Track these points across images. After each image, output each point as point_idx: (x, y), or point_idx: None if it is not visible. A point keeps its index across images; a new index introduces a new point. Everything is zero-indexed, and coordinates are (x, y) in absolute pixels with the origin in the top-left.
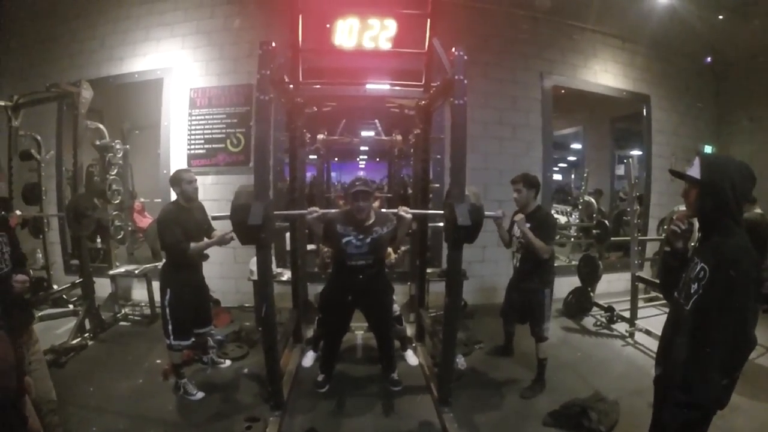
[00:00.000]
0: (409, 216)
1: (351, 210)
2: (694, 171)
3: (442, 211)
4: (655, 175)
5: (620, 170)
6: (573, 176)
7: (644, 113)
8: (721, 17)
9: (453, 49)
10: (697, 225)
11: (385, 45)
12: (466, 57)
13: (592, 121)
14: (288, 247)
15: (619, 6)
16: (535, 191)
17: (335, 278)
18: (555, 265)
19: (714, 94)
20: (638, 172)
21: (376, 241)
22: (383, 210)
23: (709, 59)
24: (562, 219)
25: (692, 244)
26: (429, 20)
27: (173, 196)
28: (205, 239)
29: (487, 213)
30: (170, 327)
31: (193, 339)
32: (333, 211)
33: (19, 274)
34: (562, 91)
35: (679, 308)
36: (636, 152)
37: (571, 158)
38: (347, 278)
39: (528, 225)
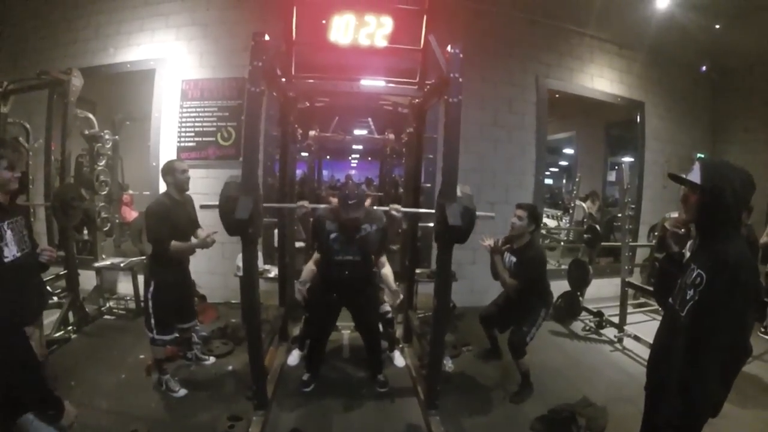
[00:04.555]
0: (399, 215)
1: (341, 211)
2: (694, 176)
3: (433, 211)
4: (647, 181)
5: (612, 176)
6: (565, 181)
7: (638, 120)
8: (718, 26)
9: (449, 47)
10: (693, 231)
11: (381, 42)
12: (461, 55)
13: (586, 127)
14: (276, 244)
15: (618, 12)
16: (535, 225)
17: (322, 274)
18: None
19: (710, 103)
20: (630, 178)
21: (363, 238)
22: (374, 207)
23: (705, 68)
24: (553, 223)
25: (685, 250)
26: (425, 17)
27: (162, 188)
28: (192, 239)
29: (479, 213)
30: (153, 321)
31: (176, 334)
32: (322, 206)
33: (45, 247)
34: (557, 96)
35: (674, 315)
36: (628, 159)
37: (563, 163)
38: (334, 274)
39: (513, 259)
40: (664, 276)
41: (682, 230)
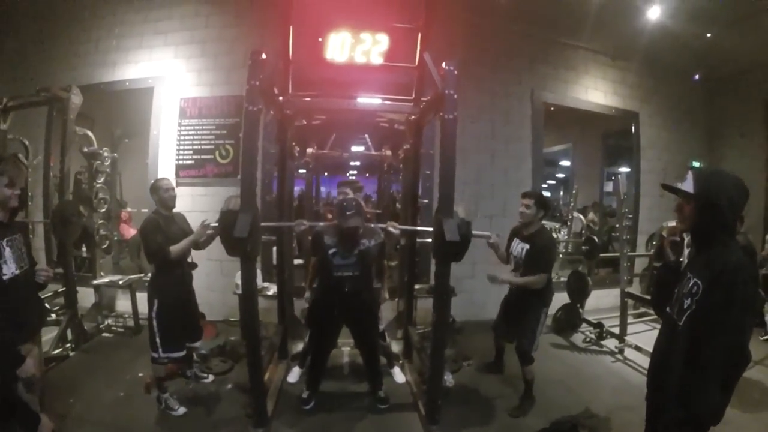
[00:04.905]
0: (397, 232)
1: (339, 225)
2: (687, 185)
3: (431, 228)
4: (644, 191)
5: (609, 187)
6: (562, 193)
7: (633, 130)
8: (709, 35)
9: (443, 64)
10: (687, 239)
11: (377, 59)
12: (456, 71)
13: (582, 138)
14: (275, 261)
15: (610, 24)
16: (543, 212)
17: (322, 290)
18: None
19: (705, 111)
20: (627, 188)
21: (363, 253)
22: (372, 225)
23: (698, 76)
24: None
25: (682, 259)
26: (420, 34)
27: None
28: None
29: (475, 232)
30: (158, 339)
31: (184, 352)
32: (321, 224)
33: (41, 267)
34: (552, 108)
35: (671, 324)
36: (625, 169)
37: (561, 175)
38: (333, 290)
39: (526, 246)
40: (661, 285)
41: (678, 238)
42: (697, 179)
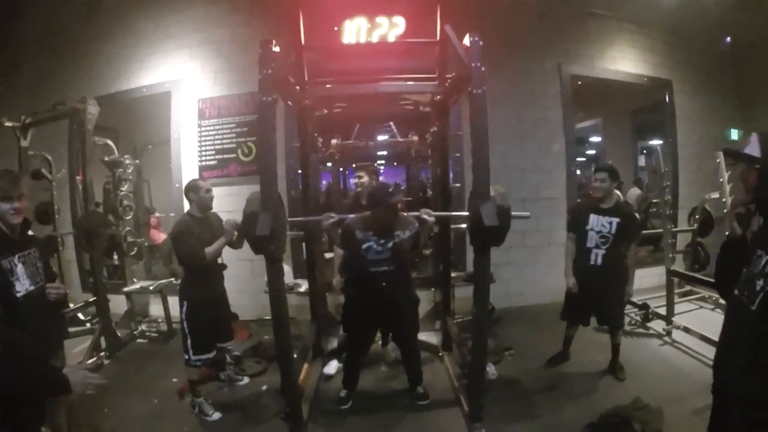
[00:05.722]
0: (432, 219)
1: (371, 215)
2: (753, 149)
3: (466, 213)
4: (682, 163)
5: (642, 161)
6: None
7: (666, 99)
8: None
9: (467, 36)
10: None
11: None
12: (481, 43)
13: (611, 114)
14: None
15: None
16: (616, 183)
17: (356, 288)
18: None
19: (738, 76)
20: (664, 161)
21: (397, 245)
22: (404, 213)
23: (729, 39)
24: None
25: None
26: (439, 7)
27: (186, 208)
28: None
29: (514, 213)
30: (189, 342)
31: (215, 352)
32: (350, 216)
33: (52, 284)
34: (579, 83)
35: (741, 308)
36: (657, 142)
37: (591, 152)
38: (369, 286)
39: (615, 219)
40: (726, 264)
41: (744, 211)
42: (764, 142)
